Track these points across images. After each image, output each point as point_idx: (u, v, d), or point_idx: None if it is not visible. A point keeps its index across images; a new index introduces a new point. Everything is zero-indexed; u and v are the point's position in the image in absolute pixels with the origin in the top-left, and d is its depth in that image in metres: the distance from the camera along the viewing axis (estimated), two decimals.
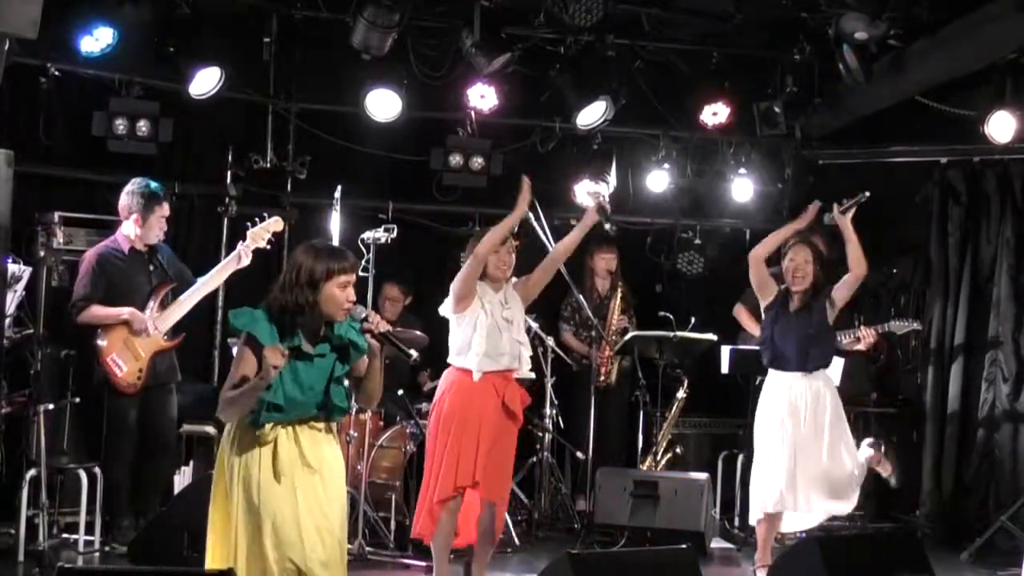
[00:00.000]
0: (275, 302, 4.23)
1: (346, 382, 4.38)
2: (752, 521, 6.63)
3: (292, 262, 4.28)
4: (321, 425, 4.32)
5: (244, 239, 6.65)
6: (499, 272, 5.82)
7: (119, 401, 6.63)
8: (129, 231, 6.74)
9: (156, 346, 6.66)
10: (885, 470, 6.76)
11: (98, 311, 6.60)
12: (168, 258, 6.91)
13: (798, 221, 6.61)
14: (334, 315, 4.23)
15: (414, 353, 4.55)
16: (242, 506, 4.21)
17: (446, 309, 5.86)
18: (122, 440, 6.67)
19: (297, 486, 4.22)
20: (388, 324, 4.37)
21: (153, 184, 6.76)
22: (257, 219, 6.52)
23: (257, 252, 6.68)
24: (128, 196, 6.72)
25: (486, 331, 5.75)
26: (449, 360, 5.88)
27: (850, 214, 6.49)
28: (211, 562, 4.26)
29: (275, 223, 6.31)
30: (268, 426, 4.21)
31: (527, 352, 5.88)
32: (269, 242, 6.64)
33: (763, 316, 6.65)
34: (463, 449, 5.68)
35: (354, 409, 7.11)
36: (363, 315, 4.28)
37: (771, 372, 6.54)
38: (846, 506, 6.54)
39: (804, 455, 6.34)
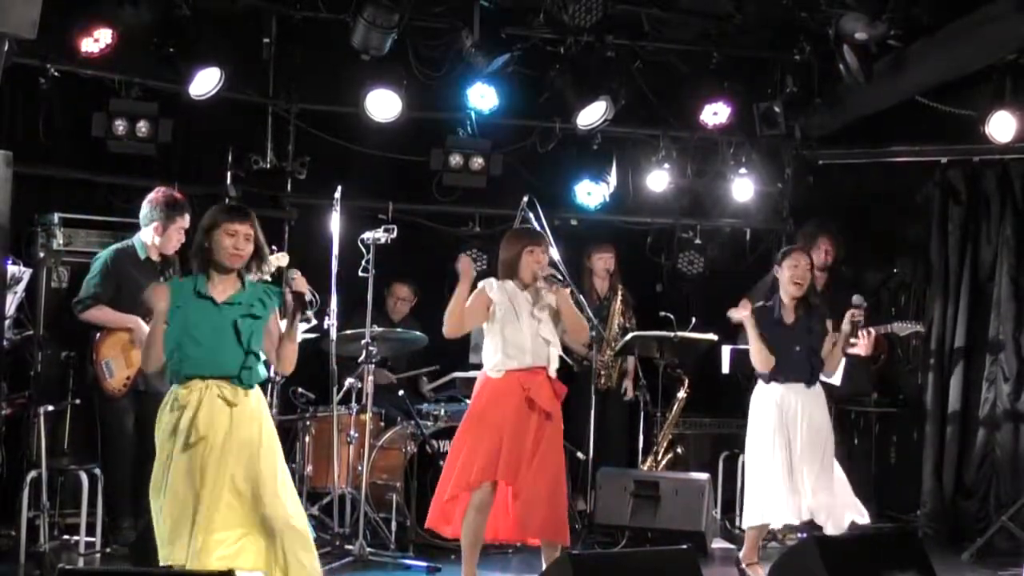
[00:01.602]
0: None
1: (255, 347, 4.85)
2: (744, 525, 6.66)
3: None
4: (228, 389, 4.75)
5: None
6: (528, 275, 5.88)
7: (114, 404, 6.63)
8: (147, 238, 6.73)
9: None
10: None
11: (104, 313, 6.60)
12: (177, 272, 6.90)
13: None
14: (223, 260, 4.81)
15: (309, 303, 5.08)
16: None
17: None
18: (119, 442, 6.67)
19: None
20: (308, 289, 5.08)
21: (176, 195, 6.75)
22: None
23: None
24: (149, 204, 6.72)
25: (503, 330, 5.82)
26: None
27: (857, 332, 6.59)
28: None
29: (281, 257, 6.25)
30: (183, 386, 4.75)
31: (555, 351, 5.90)
32: (272, 275, 6.50)
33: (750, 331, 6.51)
34: (483, 445, 5.74)
35: (354, 409, 7.14)
36: (286, 266, 5.06)
37: (771, 384, 6.46)
38: (842, 524, 6.47)
39: (803, 464, 6.36)
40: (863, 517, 6.53)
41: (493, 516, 5.89)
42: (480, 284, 5.94)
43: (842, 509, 6.43)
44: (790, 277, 6.44)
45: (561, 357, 7.85)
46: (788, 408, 6.40)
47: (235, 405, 4.75)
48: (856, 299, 6.56)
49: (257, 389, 4.87)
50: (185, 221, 6.78)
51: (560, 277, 5.95)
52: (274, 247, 6.31)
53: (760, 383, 6.53)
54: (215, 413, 4.72)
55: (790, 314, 6.47)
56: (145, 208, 6.74)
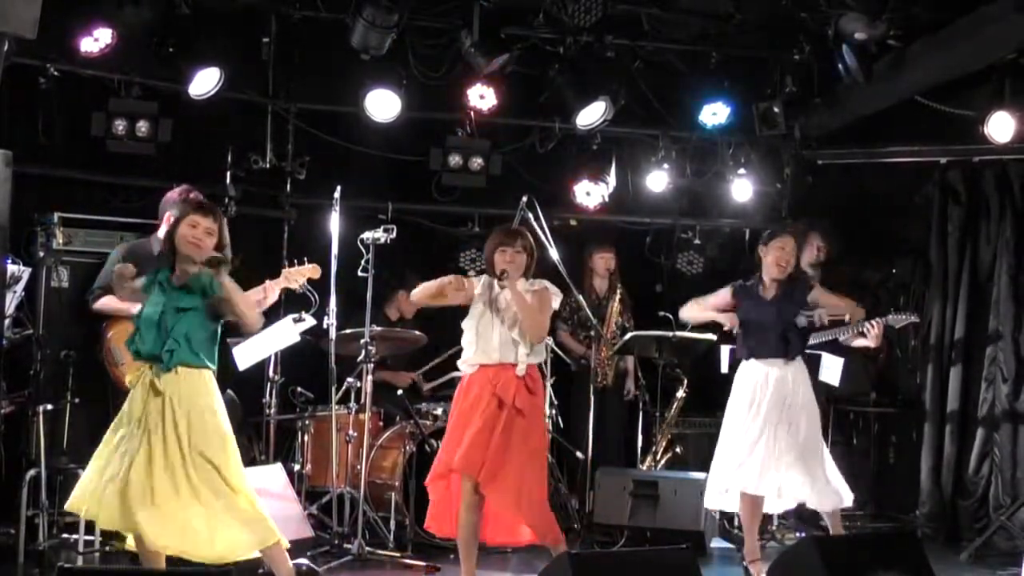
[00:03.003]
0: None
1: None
2: (709, 505, 6.73)
3: None
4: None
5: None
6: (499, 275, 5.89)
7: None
8: (161, 233, 6.72)
9: None
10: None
11: (111, 301, 6.59)
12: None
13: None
14: (182, 248, 5.19)
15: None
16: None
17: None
18: None
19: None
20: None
21: (194, 191, 6.73)
22: (296, 261, 6.37)
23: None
24: (167, 199, 6.71)
25: (477, 325, 5.89)
26: None
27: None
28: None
29: (313, 270, 6.23)
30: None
31: (523, 349, 5.87)
32: (302, 287, 6.33)
33: (732, 312, 6.63)
34: (452, 437, 5.87)
35: (353, 408, 7.15)
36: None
37: (749, 361, 6.55)
38: (824, 502, 6.53)
39: (779, 441, 6.39)
40: (847, 499, 6.60)
41: (486, 519, 5.93)
42: (474, 277, 6.10)
43: (825, 486, 6.47)
44: (775, 259, 6.51)
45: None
46: (765, 384, 6.45)
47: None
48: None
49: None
50: None
51: (503, 272, 5.85)
52: (305, 258, 6.30)
53: (741, 361, 6.60)
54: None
55: (770, 292, 6.55)
56: (163, 202, 6.74)
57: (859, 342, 7.17)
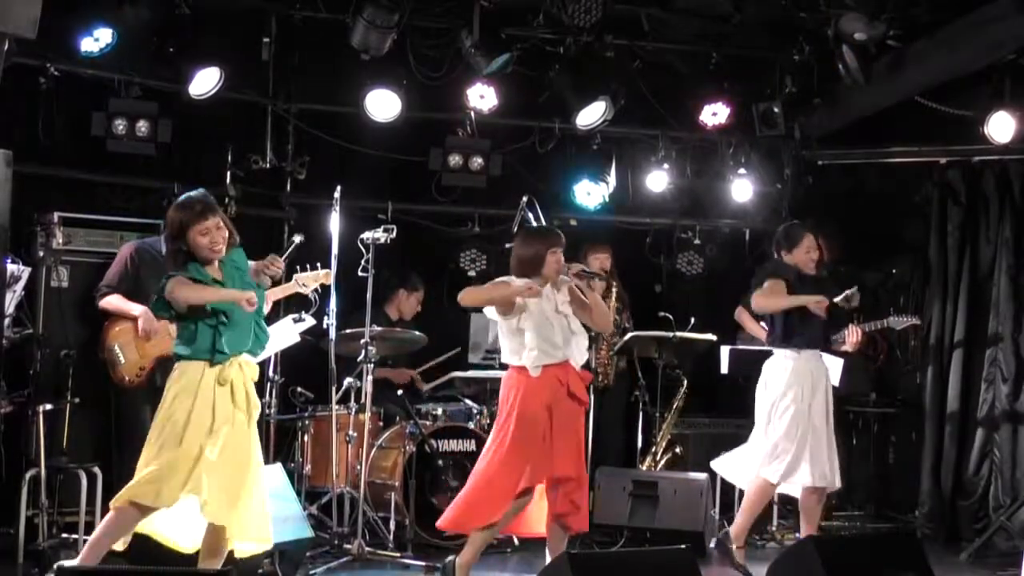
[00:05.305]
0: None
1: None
2: (743, 484, 6.80)
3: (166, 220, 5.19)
4: None
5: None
6: (553, 275, 5.94)
7: (130, 396, 6.62)
8: None
9: (164, 351, 6.54)
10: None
11: (115, 301, 6.62)
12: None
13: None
14: (206, 256, 5.07)
15: None
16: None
17: (491, 312, 5.99)
18: (134, 436, 6.60)
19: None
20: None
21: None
22: (309, 266, 6.32)
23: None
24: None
25: (535, 327, 5.86)
26: (505, 360, 6.01)
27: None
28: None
29: (325, 275, 6.22)
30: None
31: (583, 341, 6.00)
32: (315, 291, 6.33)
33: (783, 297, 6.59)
34: (535, 445, 5.81)
35: (353, 408, 7.15)
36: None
37: (803, 352, 6.56)
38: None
39: (827, 427, 6.57)
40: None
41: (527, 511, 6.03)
42: (505, 280, 6.00)
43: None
44: (808, 257, 6.65)
45: None
46: (819, 372, 6.61)
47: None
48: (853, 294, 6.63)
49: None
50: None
51: (590, 272, 6.13)
52: (318, 263, 6.28)
53: (788, 352, 6.59)
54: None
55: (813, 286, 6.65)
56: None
57: (842, 347, 7.20)
